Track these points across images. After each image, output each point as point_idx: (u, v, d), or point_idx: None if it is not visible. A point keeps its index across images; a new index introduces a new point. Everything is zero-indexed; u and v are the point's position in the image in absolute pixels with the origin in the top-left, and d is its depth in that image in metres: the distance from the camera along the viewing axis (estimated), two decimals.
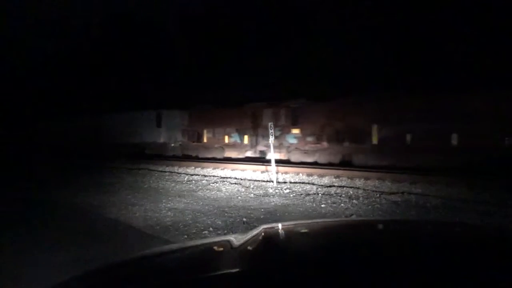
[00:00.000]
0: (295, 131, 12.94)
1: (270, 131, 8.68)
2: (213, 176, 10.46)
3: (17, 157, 18.27)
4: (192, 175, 10.74)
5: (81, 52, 27.29)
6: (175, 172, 11.65)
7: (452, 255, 1.10)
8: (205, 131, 16.00)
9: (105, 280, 1.12)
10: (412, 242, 1.32)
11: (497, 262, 1.03)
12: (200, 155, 15.46)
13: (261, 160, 12.88)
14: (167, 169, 12.46)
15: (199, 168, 12.23)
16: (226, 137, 15.18)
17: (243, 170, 11.23)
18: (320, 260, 1.09)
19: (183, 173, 11.19)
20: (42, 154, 19.03)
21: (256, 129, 13.97)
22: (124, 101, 22.39)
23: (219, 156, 14.88)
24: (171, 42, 22.72)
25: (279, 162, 11.69)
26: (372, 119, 10.77)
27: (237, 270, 1.07)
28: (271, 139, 8.79)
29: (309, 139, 12.64)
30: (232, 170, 11.49)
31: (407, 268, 0.99)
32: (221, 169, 11.74)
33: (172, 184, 9.13)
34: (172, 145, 16.61)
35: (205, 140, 16.04)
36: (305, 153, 12.57)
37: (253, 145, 14.16)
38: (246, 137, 14.53)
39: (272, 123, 8.88)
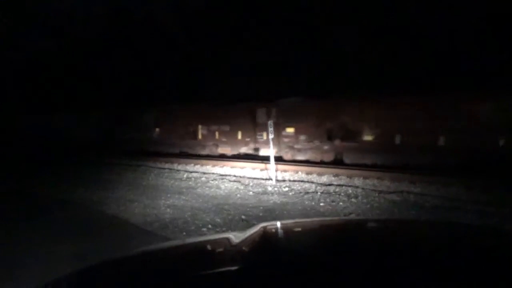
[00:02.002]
0: (157, 129, 17.43)
1: (270, 129, 8.68)
2: (212, 173, 10.47)
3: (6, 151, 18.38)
4: (191, 172, 10.75)
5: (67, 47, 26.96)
6: (174, 169, 11.66)
7: (449, 255, 1.11)
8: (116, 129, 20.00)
9: (103, 277, 1.13)
10: (409, 241, 1.33)
11: (494, 262, 1.04)
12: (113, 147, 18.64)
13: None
14: (166, 165, 12.46)
15: (199, 166, 12.24)
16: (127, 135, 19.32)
17: (242, 168, 11.24)
18: (318, 258, 1.10)
19: (182, 170, 11.20)
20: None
21: (143, 128, 18.00)
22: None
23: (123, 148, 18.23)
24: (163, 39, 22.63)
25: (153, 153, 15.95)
26: (199, 121, 15.35)
27: (236, 267, 1.07)
28: (271, 137, 8.80)
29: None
30: (232, 167, 11.50)
31: (405, 267, 1.00)
32: (220, 167, 11.74)
33: (171, 181, 9.13)
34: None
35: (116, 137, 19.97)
36: (169, 146, 16.74)
37: (142, 139, 18.14)
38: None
39: (271, 121, 8.90)
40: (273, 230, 1.54)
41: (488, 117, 8.88)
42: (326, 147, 11.56)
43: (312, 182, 8.58)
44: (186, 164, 12.60)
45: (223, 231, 4.88)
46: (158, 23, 22.42)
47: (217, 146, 14.74)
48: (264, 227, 1.46)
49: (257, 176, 9.85)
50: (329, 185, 8.21)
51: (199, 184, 8.59)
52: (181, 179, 9.37)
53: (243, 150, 13.76)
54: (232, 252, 1.22)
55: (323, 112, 11.61)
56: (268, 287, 0.91)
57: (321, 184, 8.36)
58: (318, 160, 11.60)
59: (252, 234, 1.33)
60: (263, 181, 8.83)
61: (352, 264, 1.03)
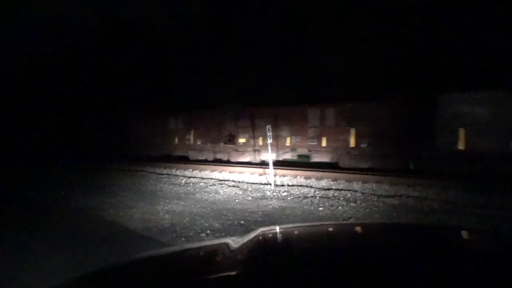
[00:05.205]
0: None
1: (268, 133, 8.68)
2: (211, 178, 10.45)
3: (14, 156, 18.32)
4: (189, 177, 10.73)
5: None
6: (172, 174, 11.64)
7: (448, 258, 1.11)
8: None
9: (102, 283, 1.13)
10: (408, 245, 1.33)
11: (494, 265, 1.04)
12: None
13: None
14: (164, 171, 12.44)
15: (197, 171, 12.22)
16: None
17: (241, 173, 11.22)
18: (317, 262, 1.10)
19: (181, 176, 11.17)
20: None
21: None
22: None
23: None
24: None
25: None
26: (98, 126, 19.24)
27: (235, 272, 1.07)
28: (269, 141, 8.80)
29: None
30: (230, 172, 11.48)
31: (403, 271, 1.00)
32: (219, 172, 11.73)
33: (170, 187, 9.11)
34: None
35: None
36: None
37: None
38: None
39: (270, 126, 8.88)
40: (272, 235, 1.54)
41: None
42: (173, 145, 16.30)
43: (311, 187, 8.57)
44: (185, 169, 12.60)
45: (222, 237, 4.87)
46: (155, 29, 22.53)
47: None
48: (263, 232, 1.46)
49: (255, 181, 9.83)
50: (328, 189, 8.20)
51: (197, 190, 8.58)
52: (179, 185, 9.36)
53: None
54: (231, 258, 1.22)
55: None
56: None
57: (319, 188, 8.35)
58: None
59: (251, 239, 1.33)
60: (261, 186, 8.82)
61: (351, 268, 1.03)
